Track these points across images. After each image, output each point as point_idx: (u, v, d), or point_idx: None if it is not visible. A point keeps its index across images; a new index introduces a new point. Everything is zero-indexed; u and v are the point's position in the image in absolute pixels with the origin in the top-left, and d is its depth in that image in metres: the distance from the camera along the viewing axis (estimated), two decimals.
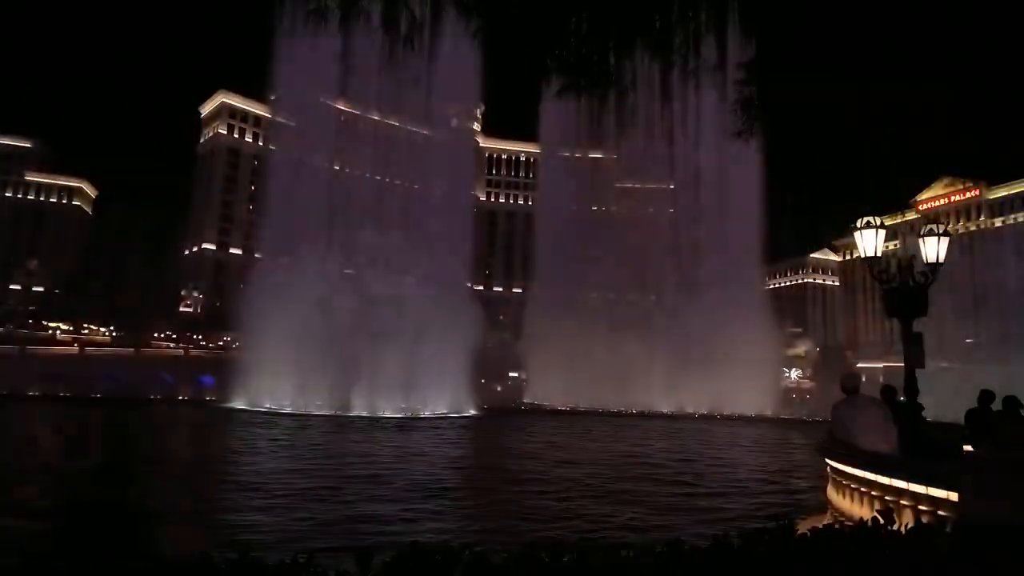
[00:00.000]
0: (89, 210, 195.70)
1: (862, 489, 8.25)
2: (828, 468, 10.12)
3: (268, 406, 61.06)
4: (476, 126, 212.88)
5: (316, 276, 75.07)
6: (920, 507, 6.72)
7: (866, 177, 9.98)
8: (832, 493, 9.88)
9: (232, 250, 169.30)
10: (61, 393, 75.85)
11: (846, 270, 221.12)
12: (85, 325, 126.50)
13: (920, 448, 10.18)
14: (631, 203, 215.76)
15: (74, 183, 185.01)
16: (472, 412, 68.61)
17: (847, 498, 8.85)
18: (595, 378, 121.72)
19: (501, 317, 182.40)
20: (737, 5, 8.24)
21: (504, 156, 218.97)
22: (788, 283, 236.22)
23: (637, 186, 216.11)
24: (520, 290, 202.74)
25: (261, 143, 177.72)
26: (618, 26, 7.41)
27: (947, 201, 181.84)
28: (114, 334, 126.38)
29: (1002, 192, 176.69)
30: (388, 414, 58.55)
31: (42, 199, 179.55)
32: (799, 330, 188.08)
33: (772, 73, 8.31)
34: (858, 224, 13.52)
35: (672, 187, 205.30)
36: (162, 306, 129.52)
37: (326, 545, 14.44)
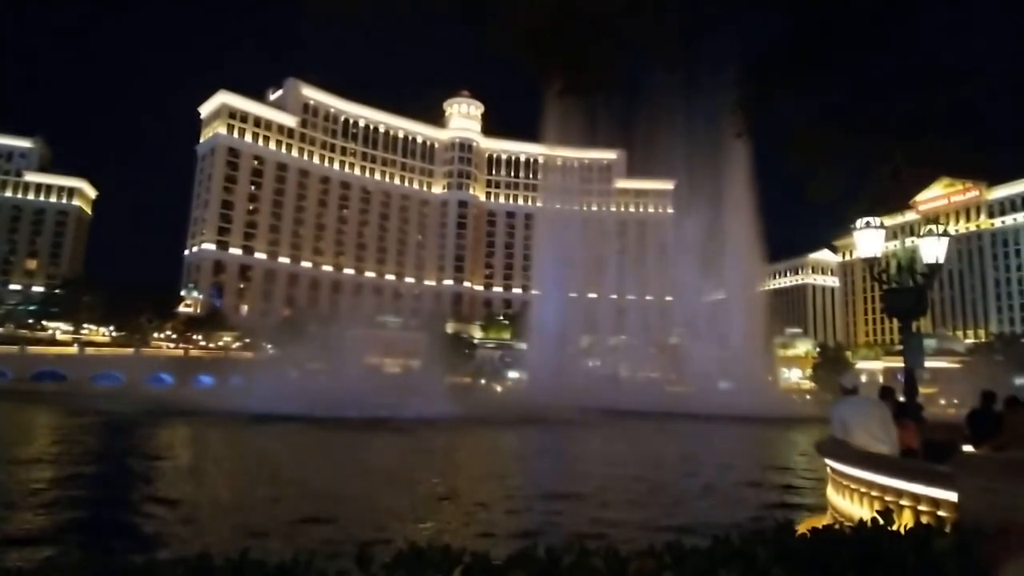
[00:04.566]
0: (89, 210, 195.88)
1: (862, 489, 8.24)
2: (828, 468, 10.12)
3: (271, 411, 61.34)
4: (477, 126, 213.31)
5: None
6: (920, 507, 6.71)
7: (863, 179, 9.99)
8: (832, 493, 9.87)
9: (232, 249, 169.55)
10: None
11: (846, 270, 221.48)
12: (85, 325, 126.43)
13: (920, 448, 10.20)
14: (631, 202, 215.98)
15: (74, 183, 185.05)
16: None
17: (847, 498, 8.84)
18: (592, 377, 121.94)
19: (501, 317, 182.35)
20: (737, 9, 8.26)
21: (504, 156, 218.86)
22: (788, 283, 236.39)
23: (637, 186, 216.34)
24: (520, 290, 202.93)
25: (261, 143, 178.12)
26: (618, 28, 7.42)
27: (947, 202, 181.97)
28: (114, 334, 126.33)
29: (1002, 192, 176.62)
30: (384, 415, 59.18)
31: (42, 199, 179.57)
32: (799, 330, 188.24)
33: (771, 76, 8.32)
34: (858, 224, 13.52)
35: (673, 187, 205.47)
36: (162, 306, 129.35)
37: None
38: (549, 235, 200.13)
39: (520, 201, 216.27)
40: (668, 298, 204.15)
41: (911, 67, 8.66)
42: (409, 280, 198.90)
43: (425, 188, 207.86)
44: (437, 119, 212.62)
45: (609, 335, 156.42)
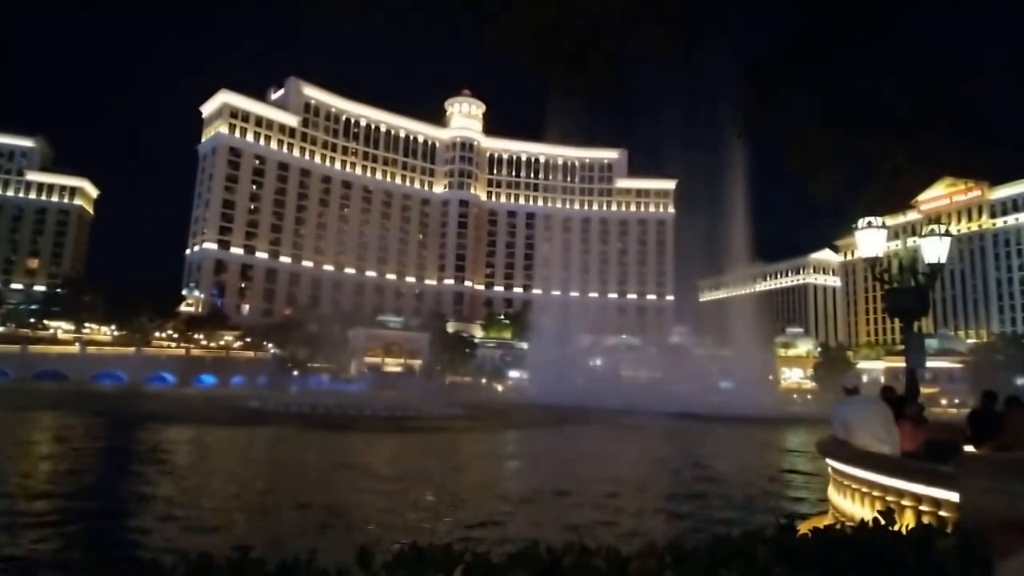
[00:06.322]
0: (91, 209, 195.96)
1: (863, 489, 8.24)
2: (829, 468, 10.12)
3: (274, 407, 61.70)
4: (478, 125, 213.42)
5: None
6: (921, 507, 6.71)
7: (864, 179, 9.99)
8: (833, 493, 9.88)
9: (233, 249, 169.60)
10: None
11: (848, 270, 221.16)
12: (86, 324, 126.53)
13: (921, 448, 10.19)
14: (632, 201, 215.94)
15: (76, 182, 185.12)
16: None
17: (848, 498, 8.84)
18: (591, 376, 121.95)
19: (502, 316, 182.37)
20: (738, 9, 8.26)
21: (505, 156, 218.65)
22: (789, 283, 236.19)
23: (638, 185, 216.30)
24: (521, 290, 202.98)
25: (262, 142, 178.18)
26: (619, 28, 7.42)
27: (949, 201, 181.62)
28: (115, 333, 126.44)
29: (1004, 192, 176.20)
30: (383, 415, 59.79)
31: (44, 198, 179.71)
32: (800, 330, 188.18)
33: (771, 76, 8.32)
34: (860, 224, 13.50)
35: (674, 186, 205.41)
36: (163, 305, 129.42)
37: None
38: (550, 234, 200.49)
39: (521, 200, 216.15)
40: (669, 298, 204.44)
41: (911, 67, 8.66)
42: (410, 279, 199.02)
43: (426, 187, 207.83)
44: (438, 118, 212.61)
45: (609, 335, 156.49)
